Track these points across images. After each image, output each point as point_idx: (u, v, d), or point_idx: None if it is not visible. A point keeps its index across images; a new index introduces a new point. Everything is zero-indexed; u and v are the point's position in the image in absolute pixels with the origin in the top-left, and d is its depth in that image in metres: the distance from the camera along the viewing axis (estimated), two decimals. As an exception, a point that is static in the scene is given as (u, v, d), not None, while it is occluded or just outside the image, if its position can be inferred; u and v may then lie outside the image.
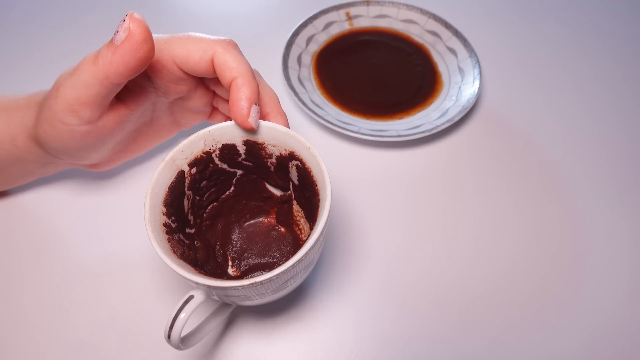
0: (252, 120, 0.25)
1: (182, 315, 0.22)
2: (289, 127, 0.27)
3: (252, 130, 0.26)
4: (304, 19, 0.46)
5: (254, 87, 0.25)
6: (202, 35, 0.27)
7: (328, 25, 0.47)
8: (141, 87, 0.28)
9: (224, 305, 0.28)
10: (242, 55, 0.26)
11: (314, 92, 0.43)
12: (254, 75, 0.26)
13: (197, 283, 0.22)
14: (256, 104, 0.25)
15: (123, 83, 0.24)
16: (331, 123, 0.38)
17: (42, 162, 0.31)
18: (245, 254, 0.32)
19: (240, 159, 0.29)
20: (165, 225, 0.25)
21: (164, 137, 0.35)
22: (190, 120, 0.34)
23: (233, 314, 0.31)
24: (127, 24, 0.22)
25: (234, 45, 0.27)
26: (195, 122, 0.35)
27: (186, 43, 0.26)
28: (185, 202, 0.28)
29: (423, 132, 0.38)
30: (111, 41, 0.23)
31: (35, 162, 0.30)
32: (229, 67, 0.25)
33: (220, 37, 0.27)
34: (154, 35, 0.26)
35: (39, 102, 0.28)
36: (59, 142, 0.27)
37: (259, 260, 0.31)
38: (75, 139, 0.26)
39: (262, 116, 0.28)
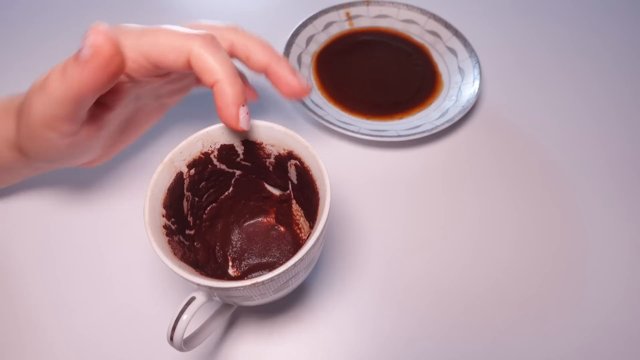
0: (243, 124, 0.24)
1: (184, 317, 0.22)
2: (292, 71, 0.26)
3: (248, 131, 0.26)
4: (304, 19, 0.46)
5: (238, 89, 0.24)
6: (174, 29, 0.24)
7: (328, 25, 0.47)
8: (120, 85, 0.27)
9: (225, 306, 0.28)
10: (221, 51, 0.24)
11: (314, 92, 0.42)
12: (237, 74, 0.24)
13: (198, 284, 0.22)
14: (244, 105, 0.24)
15: (97, 96, 0.23)
16: (331, 123, 0.38)
17: (33, 167, 0.30)
18: (246, 254, 0.32)
19: (238, 159, 0.29)
20: (165, 227, 0.25)
21: (153, 120, 0.34)
22: (177, 99, 0.34)
23: (234, 315, 0.32)
24: (93, 39, 0.20)
25: (211, 41, 0.24)
26: (182, 97, 0.34)
27: (158, 41, 0.24)
28: (185, 204, 0.28)
29: (423, 132, 0.38)
30: (78, 56, 0.21)
31: (26, 168, 0.30)
32: (208, 70, 0.24)
33: (195, 32, 0.24)
34: (125, 27, 0.25)
35: (16, 111, 0.26)
36: (44, 155, 0.26)
37: (259, 260, 0.31)
38: (60, 150, 0.26)
39: (263, 69, 0.27)
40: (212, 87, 0.24)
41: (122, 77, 0.26)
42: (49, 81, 0.23)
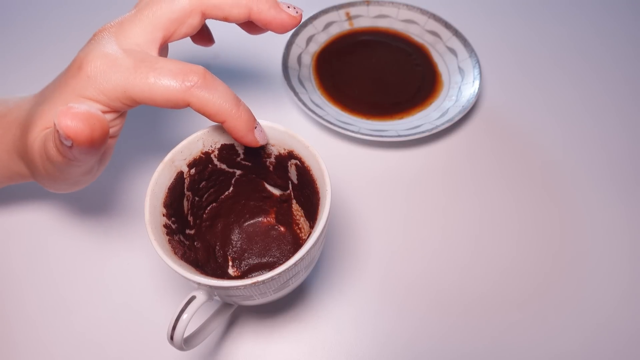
0: (260, 141, 0.25)
1: (185, 316, 0.22)
2: (274, 3, 0.25)
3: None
4: (304, 19, 0.46)
5: (245, 118, 0.24)
6: (166, 70, 0.22)
7: (328, 25, 0.47)
8: (119, 117, 0.26)
9: (225, 305, 0.28)
10: (218, 87, 0.23)
11: (314, 92, 0.42)
12: (239, 102, 0.24)
13: (199, 283, 0.22)
14: (256, 127, 0.24)
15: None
16: (331, 123, 0.38)
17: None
18: (246, 254, 0.32)
19: (239, 159, 0.29)
20: (166, 226, 0.25)
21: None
22: None
23: (234, 315, 0.32)
24: (68, 124, 0.19)
25: (204, 82, 0.23)
26: None
27: (150, 90, 0.22)
28: (185, 203, 0.28)
29: (423, 132, 0.38)
30: (61, 144, 0.20)
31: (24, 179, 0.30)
32: (212, 114, 0.23)
33: (187, 71, 0.23)
34: (111, 56, 0.23)
35: (18, 124, 0.26)
36: (56, 189, 0.27)
37: (259, 260, 0.31)
38: (73, 185, 0.27)
39: (245, 19, 0.26)
40: (221, 124, 0.24)
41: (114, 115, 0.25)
42: (44, 171, 0.24)
